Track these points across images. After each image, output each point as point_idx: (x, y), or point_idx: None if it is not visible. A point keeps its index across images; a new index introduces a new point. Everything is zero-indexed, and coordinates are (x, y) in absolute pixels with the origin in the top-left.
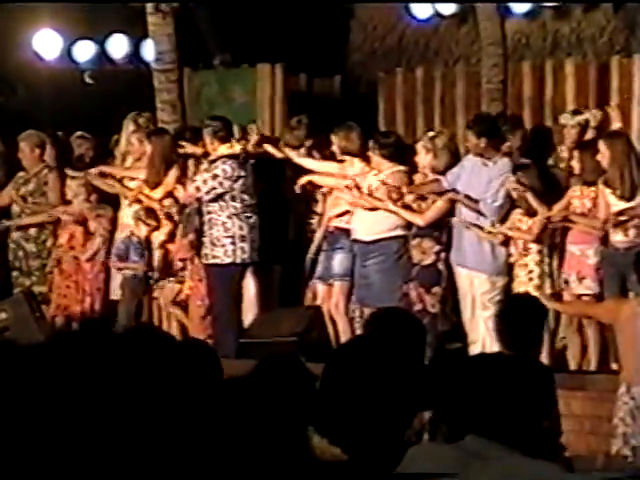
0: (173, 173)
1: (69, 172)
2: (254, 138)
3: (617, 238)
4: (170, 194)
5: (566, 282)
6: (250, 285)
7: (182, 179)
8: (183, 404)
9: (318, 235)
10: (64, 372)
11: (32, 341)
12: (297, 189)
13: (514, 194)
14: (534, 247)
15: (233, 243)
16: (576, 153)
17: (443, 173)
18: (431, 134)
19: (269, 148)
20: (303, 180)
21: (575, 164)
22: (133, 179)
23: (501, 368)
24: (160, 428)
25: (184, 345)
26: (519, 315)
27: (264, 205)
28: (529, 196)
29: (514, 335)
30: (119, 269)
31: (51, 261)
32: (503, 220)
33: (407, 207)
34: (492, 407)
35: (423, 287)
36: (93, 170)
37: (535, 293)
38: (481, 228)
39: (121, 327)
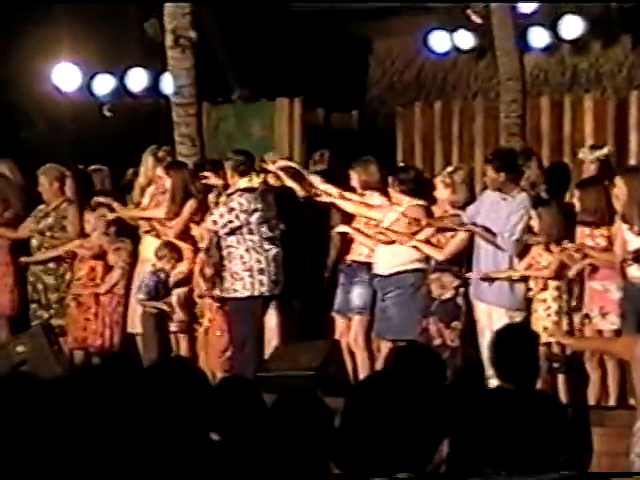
0: (190, 205)
1: (100, 200)
2: (274, 163)
3: (634, 274)
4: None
5: (588, 317)
6: (271, 319)
7: (198, 214)
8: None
9: (330, 264)
10: (86, 406)
11: (50, 374)
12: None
13: (536, 227)
14: (552, 283)
15: (251, 276)
16: (576, 192)
17: (462, 208)
18: (450, 169)
19: (289, 182)
20: (325, 199)
21: (576, 203)
22: (150, 219)
23: (513, 403)
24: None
25: (228, 380)
26: (509, 345)
27: (282, 238)
28: (541, 238)
29: (505, 365)
30: (151, 306)
31: (70, 294)
32: (522, 254)
33: (427, 242)
34: (506, 442)
35: (442, 322)
36: (104, 209)
37: (552, 328)
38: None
39: (148, 361)
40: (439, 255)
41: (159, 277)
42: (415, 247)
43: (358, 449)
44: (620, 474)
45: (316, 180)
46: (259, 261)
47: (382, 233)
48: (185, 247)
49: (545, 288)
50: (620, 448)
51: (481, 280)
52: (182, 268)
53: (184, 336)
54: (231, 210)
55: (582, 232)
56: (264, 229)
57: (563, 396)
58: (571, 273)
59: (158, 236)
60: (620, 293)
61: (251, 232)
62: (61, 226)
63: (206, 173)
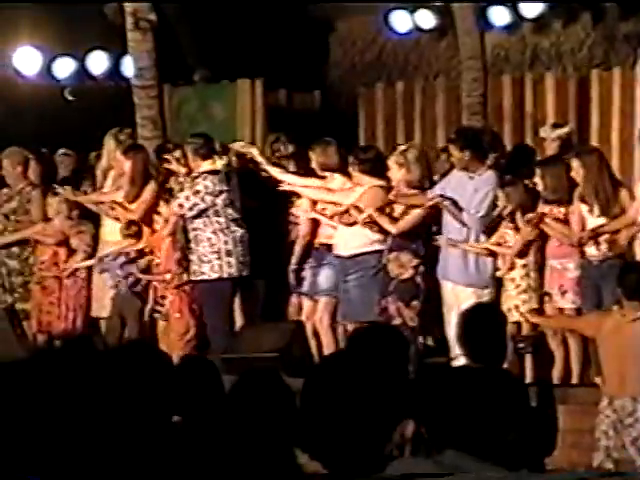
0: (150, 188)
1: (57, 189)
2: (234, 156)
3: (591, 251)
4: (151, 209)
5: (548, 295)
6: (236, 300)
7: (162, 195)
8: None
9: (298, 247)
10: (46, 389)
11: (13, 358)
12: (280, 189)
13: (501, 205)
14: (519, 261)
15: (219, 258)
16: (538, 171)
17: (418, 187)
18: (402, 148)
19: (252, 164)
20: (285, 187)
21: (538, 182)
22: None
23: (474, 382)
24: (146, 445)
25: (188, 360)
26: (477, 324)
27: (246, 219)
28: (517, 214)
29: (473, 344)
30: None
31: (34, 278)
32: (490, 233)
33: (381, 213)
34: (467, 421)
35: (402, 301)
36: (66, 192)
37: (523, 307)
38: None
39: (114, 344)
40: (392, 228)
41: (128, 262)
42: (370, 219)
43: (317, 429)
44: (621, 474)
45: (275, 171)
46: (226, 243)
47: (345, 212)
48: (145, 229)
49: (512, 267)
50: (584, 425)
51: (449, 246)
52: (140, 246)
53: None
54: (197, 193)
55: (541, 210)
56: (230, 211)
57: (529, 374)
58: (526, 236)
59: (119, 219)
60: (578, 271)
61: (217, 214)
62: (25, 210)
63: (168, 156)
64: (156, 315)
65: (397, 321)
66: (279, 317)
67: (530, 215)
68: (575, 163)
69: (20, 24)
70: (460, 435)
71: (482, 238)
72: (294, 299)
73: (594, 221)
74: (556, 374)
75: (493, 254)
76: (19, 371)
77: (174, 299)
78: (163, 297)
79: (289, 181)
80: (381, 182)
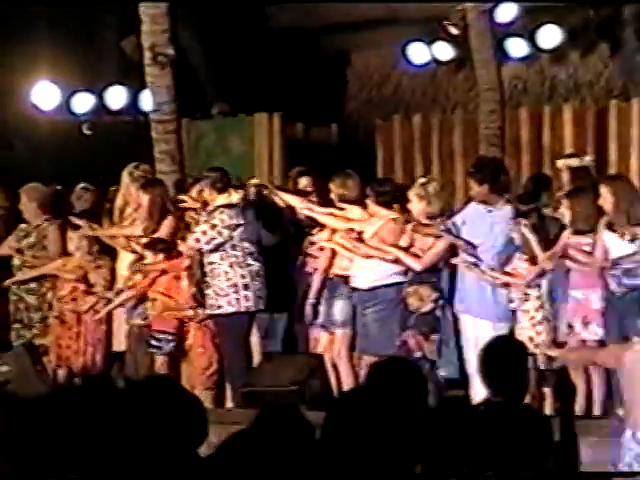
0: (167, 223)
1: (75, 221)
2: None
3: (614, 285)
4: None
5: (570, 327)
6: (254, 334)
7: (180, 232)
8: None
9: (316, 280)
10: (66, 426)
11: (34, 394)
12: (300, 216)
13: (517, 239)
14: (533, 293)
15: (236, 292)
16: (565, 201)
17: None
18: (422, 181)
19: (271, 195)
20: (306, 212)
21: (566, 212)
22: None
23: (496, 417)
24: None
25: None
26: (498, 357)
27: (264, 253)
28: (533, 243)
29: (495, 378)
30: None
31: (52, 313)
32: (504, 265)
33: (405, 250)
34: (490, 455)
35: (422, 334)
36: (84, 228)
37: (538, 339)
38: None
39: (135, 379)
40: (417, 265)
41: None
42: (394, 257)
43: (338, 463)
44: (622, 474)
45: (294, 200)
46: (243, 276)
47: (362, 243)
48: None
49: (527, 299)
50: (606, 457)
51: (465, 269)
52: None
53: (163, 358)
54: (213, 227)
55: (568, 240)
56: (246, 244)
57: (551, 407)
58: (548, 265)
59: (136, 252)
60: (601, 302)
61: (234, 248)
62: (42, 245)
63: (183, 197)
64: (153, 350)
65: (417, 354)
66: (298, 350)
67: (556, 249)
68: (604, 189)
69: (39, 59)
70: (483, 469)
71: (497, 274)
72: (312, 332)
73: (626, 246)
74: (578, 406)
75: (506, 285)
76: (40, 408)
77: (196, 334)
78: (186, 331)
79: (310, 214)
80: (397, 215)
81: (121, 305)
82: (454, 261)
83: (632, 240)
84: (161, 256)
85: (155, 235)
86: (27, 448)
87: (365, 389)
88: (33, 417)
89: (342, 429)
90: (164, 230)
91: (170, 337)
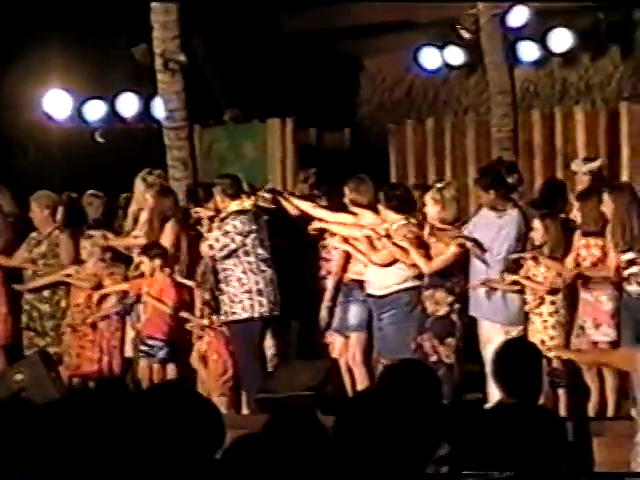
0: (169, 230)
1: (90, 233)
2: (267, 200)
3: (630, 288)
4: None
5: (582, 328)
6: (269, 339)
7: (184, 239)
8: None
9: (330, 284)
10: (80, 430)
11: (48, 401)
12: (310, 231)
13: (537, 239)
14: (548, 297)
15: (250, 298)
16: (577, 203)
17: (452, 224)
18: (439, 185)
19: (283, 202)
20: (316, 225)
21: (577, 214)
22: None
23: (510, 419)
24: None
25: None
26: (512, 360)
27: (278, 259)
28: (546, 250)
29: (509, 380)
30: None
31: (66, 321)
32: (516, 269)
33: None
34: (505, 457)
35: (437, 338)
36: (97, 236)
37: (550, 343)
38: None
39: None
40: (425, 267)
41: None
42: (407, 254)
43: (350, 466)
44: (635, 474)
45: (306, 205)
46: (257, 282)
47: (379, 238)
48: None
49: (542, 302)
50: (620, 457)
51: (481, 285)
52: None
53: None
54: (226, 233)
55: (578, 242)
56: (259, 250)
57: (564, 408)
58: (559, 283)
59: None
60: (612, 304)
61: (247, 254)
62: (54, 253)
63: (197, 209)
64: (142, 355)
65: (433, 358)
66: (313, 355)
67: (568, 261)
68: (606, 197)
69: (50, 68)
70: (499, 470)
71: (506, 276)
72: (327, 337)
73: (618, 256)
74: (592, 407)
75: (520, 290)
76: (54, 413)
77: (211, 340)
78: (199, 337)
79: (320, 216)
80: (409, 219)
81: (128, 313)
82: (471, 285)
83: (624, 252)
84: (157, 262)
85: (160, 241)
86: (43, 454)
87: (376, 391)
88: (49, 421)
89: (352, 430)
90: (169, 235)
91: (161, 343)
